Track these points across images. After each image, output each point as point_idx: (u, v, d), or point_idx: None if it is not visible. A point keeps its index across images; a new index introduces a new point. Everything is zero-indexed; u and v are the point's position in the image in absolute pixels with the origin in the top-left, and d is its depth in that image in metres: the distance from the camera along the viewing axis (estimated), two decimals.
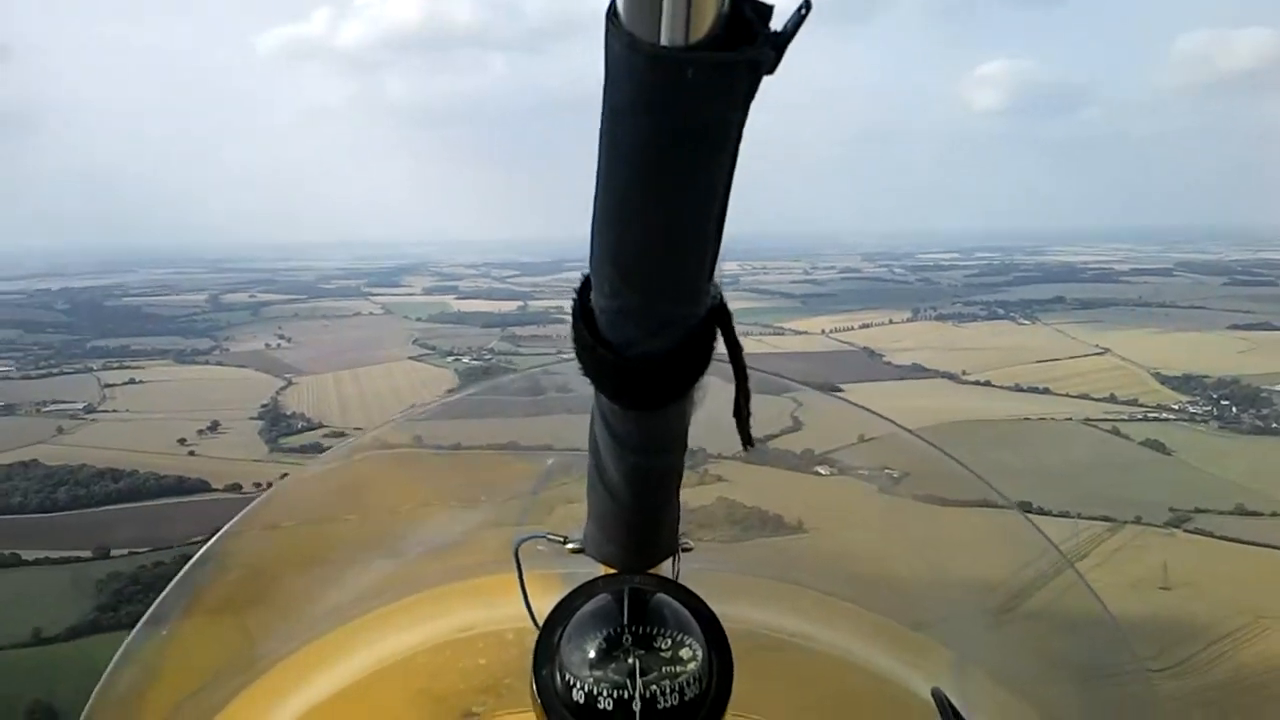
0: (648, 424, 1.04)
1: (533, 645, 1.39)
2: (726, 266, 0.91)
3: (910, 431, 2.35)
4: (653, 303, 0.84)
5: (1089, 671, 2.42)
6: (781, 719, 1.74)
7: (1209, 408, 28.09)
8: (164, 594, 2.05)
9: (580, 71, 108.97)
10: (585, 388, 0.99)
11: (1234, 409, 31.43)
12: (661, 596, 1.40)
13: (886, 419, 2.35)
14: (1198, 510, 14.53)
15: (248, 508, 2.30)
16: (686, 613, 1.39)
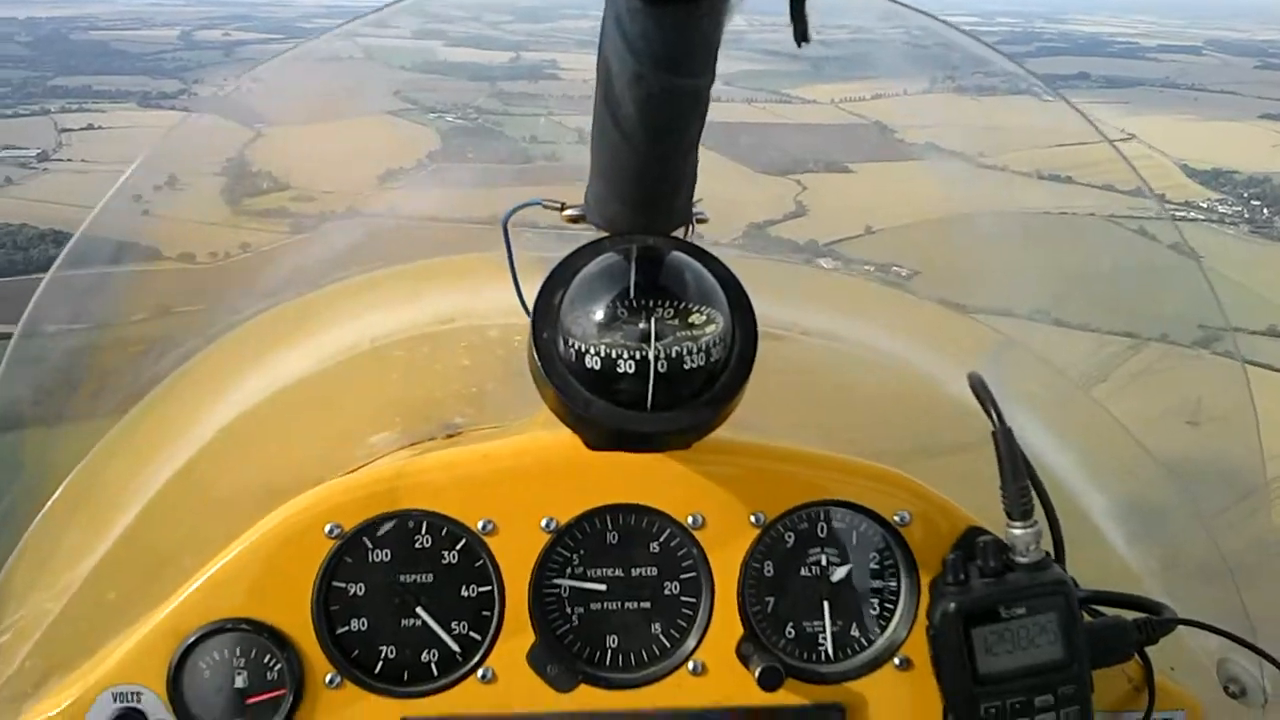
0: (673, 26, 0.89)
1: (519, 343, 1.38)
2: (733, 23, 0.87)
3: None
4: None
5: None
6: (789, 424, 1.70)
7: (1239, 208, 26.89)
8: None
9: None
10: None
11: (1265, 211, 30.36)
12: (677, 255, 1.36)
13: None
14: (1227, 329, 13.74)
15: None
16: (706, 273, 1.35)
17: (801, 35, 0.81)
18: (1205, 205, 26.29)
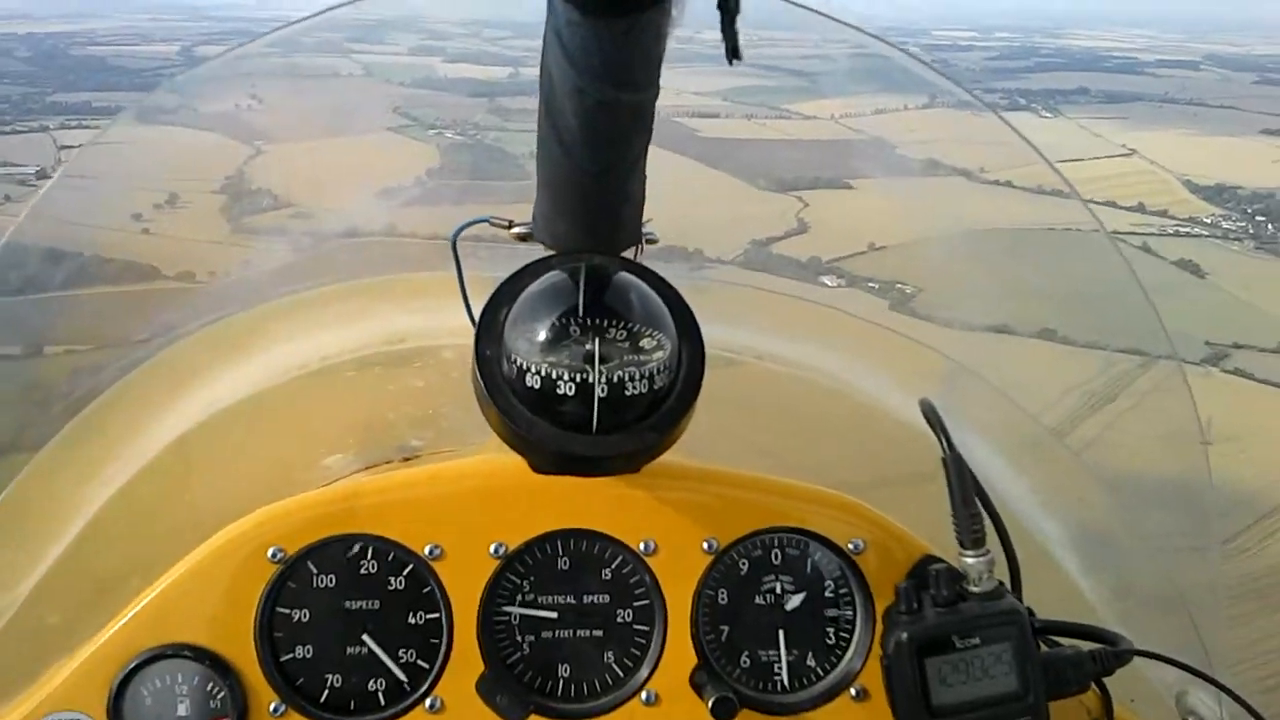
0: (611, 40, 0.88)
1: (474, 366, 1.32)
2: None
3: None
4: None
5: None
6: (741, 448, 1.68)
7: (1243, 223, 26.78)
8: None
9: None
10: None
11: (1270, 227, 30.04)
12: (624, 276, 1.34)
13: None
14: (1236, 346, 13.68)
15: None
16: (654, 295, 1.34)
17: (732, 52, 0.80)
18: (1209, 221, 26.14)
